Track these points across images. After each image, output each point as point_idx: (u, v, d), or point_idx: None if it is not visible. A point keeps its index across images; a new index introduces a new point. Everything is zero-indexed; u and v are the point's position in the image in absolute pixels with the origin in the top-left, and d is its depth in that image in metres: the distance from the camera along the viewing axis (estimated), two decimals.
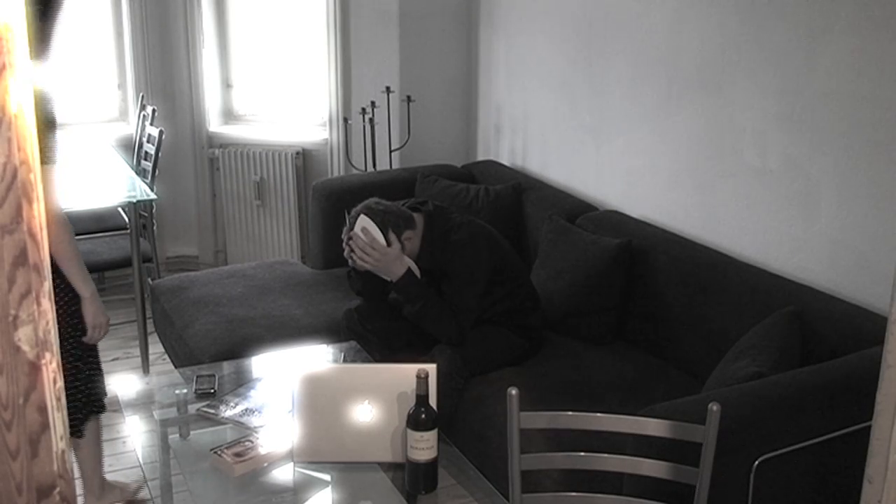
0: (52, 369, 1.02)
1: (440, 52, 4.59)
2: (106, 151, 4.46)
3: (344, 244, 2.97)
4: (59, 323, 2.50)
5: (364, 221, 2.89)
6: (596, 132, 3.79)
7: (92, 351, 2.71)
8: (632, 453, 2.07)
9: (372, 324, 3.12)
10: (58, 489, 1.05)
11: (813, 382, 2.33)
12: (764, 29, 2.93)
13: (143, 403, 2.85)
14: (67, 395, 2.62)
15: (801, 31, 2.80)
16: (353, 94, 4.67)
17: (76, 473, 2.70)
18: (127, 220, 3.98)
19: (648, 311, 3.20)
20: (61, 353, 2.48)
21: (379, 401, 2.25)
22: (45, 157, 2.44)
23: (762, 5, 2.93)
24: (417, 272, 2.96)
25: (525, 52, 4.19)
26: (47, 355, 1.01)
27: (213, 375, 2.74)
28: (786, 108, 2.89)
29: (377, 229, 2.88)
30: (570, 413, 2.06)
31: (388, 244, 2.89)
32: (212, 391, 2.63)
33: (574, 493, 2.12)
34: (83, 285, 2.55)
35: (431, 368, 2.20)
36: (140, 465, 3.03)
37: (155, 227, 4.31)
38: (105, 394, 2.80)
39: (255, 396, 2.61)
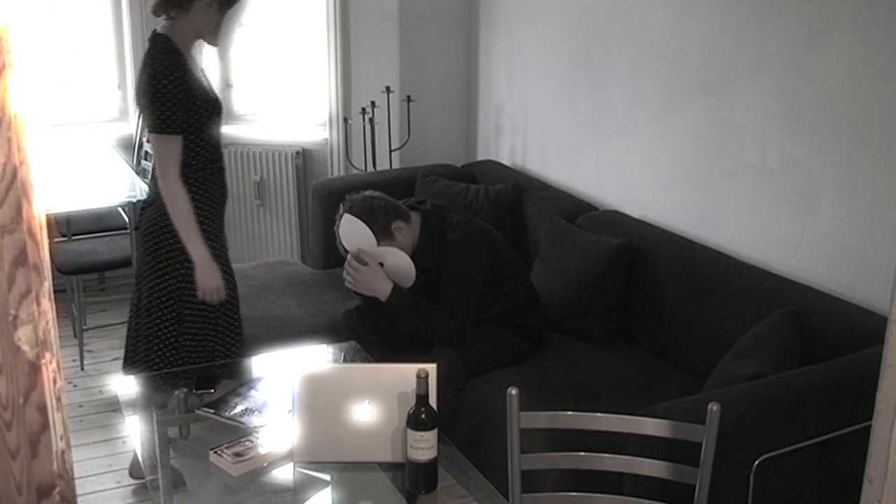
0: (52, 369, 1.02)
1: (440, 52, 4.59)
2: (106, 151, 4.46)
3: (337, 237, 2.96)
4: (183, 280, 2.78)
5: (348, 219, 2.87)
6: (596, 132, 3.79)
7: (221, 309, 2.89)
8: (632, 453, 2.07)
9: (372, 324, 3.12)
10: (58, 489, 1.05)
11: (813, 382, 2.33)
12: (764, 29, 2.93)
13: (143, 403, 2.85)
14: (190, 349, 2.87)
15: (802, 31, 2.80)
16: (353, 94, 4.67)
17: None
18: (127, 220, 3.98)
19: (648, 311, 3.20)
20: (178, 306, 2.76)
21: (379, 401, 2.25)
22: (160, 125, 2.63)
23: (763, 5, 2.93)
24: (413, 271, 2.93)
25: (525, 52, 4.19)
26: (47, 355, 1.01)
27: (214, 375, 2.74)
28: (786, 108, 2.89)
29: (363, 225, 2.85)
30: (570, 413, 2.06)
31: (378, 238, 2.87)
32: (212, 391, 2.63)
33: (574, 493, 2.12)
34: (190, 250, 2.74)
35: (431, 368, 2.20)
36: (140, 465, 3.03)
37: None
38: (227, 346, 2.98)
39: (255, 396, 2.61)
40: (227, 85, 4.99)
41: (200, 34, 2.74)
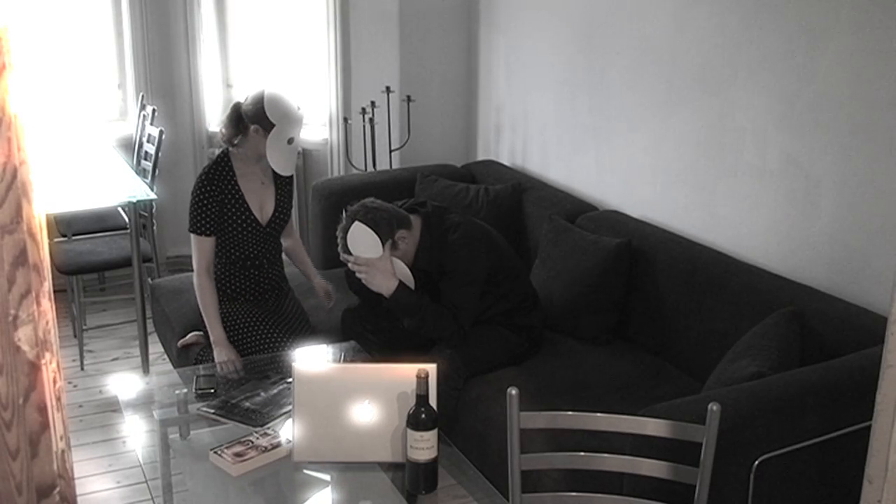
0: (52, 369, 1.02)
1: (440, 52, 4.59)
2: (106, 151, 4.46)
3: (338, 241, 2.96)
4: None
5: (358, 227, 2.88)
6: (596, 132, 3.79)
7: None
8: (632, 453, 2.08)
9: (372, 324, 3.12)
10: (58, 489, 1.05)
11: (813, 382, 2.32)
12: (764, 29, 2.93)
13: (143, 403, 2.85)
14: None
15: (801, 31, 2.80)
16: (353, 94, 4.67)
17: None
18: (127, 220, 3.98)
19: (648, 311, 3.20)
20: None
21: (379, 401, 2.25)
22: (192, 226, 3.08)
23: (762, 5, 2.93)
24: (412, 282, 2.95)
25: (525, 52, 4.19)
26: (47, 355, 1.01)
27: (213, 375, 2.74)
28: (786, 108, 2.89)
29: (370, 232, 2.86)
30: (570, 413, 2.06)
31: (382, 243, 2.88)
32: (212, 391, 2.63)
33: (574, 493, 2.12)
34: (209, 331, 3.06)
35: (431, 368, 2.21)
36: (140, 465, 3.04)
37: (155, 227, 4.31)
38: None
39: (256, 397, 2.61)
40: (227, 85, 4.99)
41: (259, 153, 3.14)
